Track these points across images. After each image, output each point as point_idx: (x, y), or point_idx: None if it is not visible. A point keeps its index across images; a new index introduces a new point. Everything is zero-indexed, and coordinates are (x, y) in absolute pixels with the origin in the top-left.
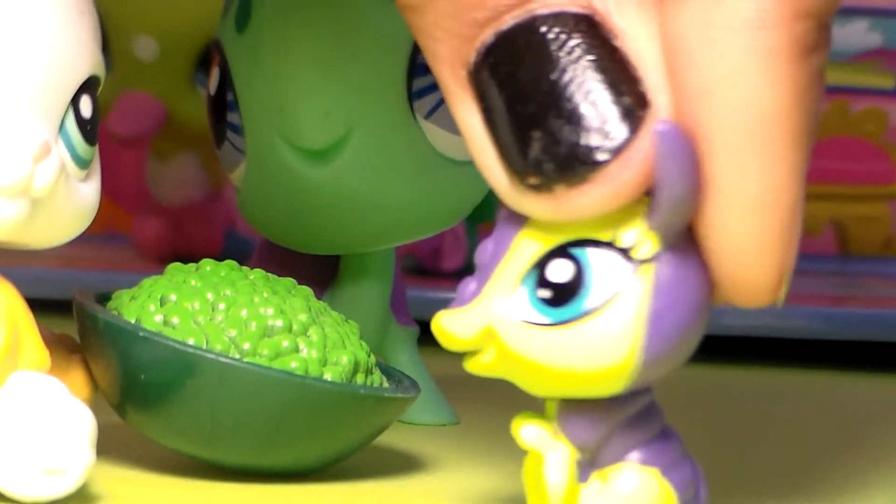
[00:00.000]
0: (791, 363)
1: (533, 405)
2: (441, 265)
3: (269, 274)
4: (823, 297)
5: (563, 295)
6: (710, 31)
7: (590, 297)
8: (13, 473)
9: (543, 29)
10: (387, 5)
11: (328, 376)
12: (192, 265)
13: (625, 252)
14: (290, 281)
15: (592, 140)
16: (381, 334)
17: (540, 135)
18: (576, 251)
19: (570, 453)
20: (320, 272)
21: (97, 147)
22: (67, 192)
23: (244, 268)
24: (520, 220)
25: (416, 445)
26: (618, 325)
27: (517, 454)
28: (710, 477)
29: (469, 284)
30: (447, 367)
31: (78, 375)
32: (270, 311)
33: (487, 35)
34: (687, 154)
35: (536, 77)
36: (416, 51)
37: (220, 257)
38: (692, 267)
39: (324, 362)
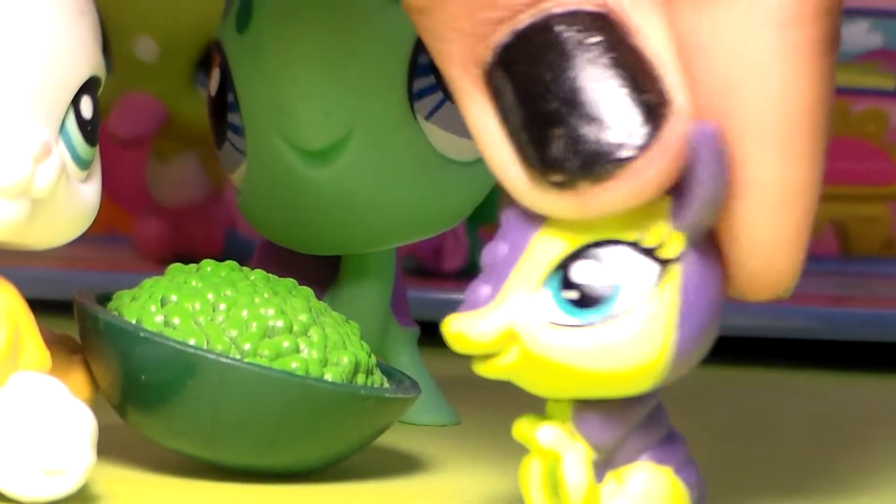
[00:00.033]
0: (791, 363)
1: (533, 406)
2: (442, 266)
3: (270, 274)
4: (824, 297)
5: (590, 296)
6: (731, 29)
7: (619, 298)
8: (13, 473)
9: (560, 27)
10: (387, 6)
11: (329, 377)
12: (192, 266)
13: (649, 252)
14: (290, 281)
15: (617, 137)
16: (381, 335)
17: (562, 132)
18: (601, 251)
19: (587, 453)
20: (321, 273)
21: (98, 148)
22: (68, 193)
23: (245, 268)
24: (535, 220)
25: (416, 446)
26: (649, 324)
27: (517, 454)
28: (710, 477)
29: (480, 287)
30: (447, 367)
31: (78, 376)
32: (271, 311)
33: (503, 34)
34: (722, 155)
35: (556, 75)
36: (416, 51)
37: (220, 258)
38: (712, 264)
39: (324, 363)
